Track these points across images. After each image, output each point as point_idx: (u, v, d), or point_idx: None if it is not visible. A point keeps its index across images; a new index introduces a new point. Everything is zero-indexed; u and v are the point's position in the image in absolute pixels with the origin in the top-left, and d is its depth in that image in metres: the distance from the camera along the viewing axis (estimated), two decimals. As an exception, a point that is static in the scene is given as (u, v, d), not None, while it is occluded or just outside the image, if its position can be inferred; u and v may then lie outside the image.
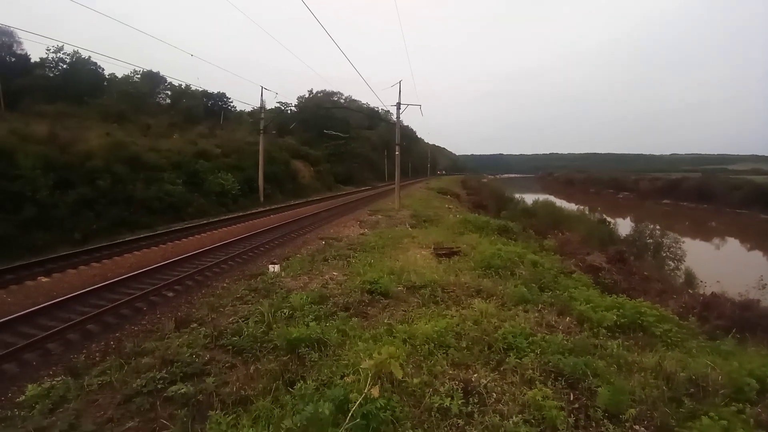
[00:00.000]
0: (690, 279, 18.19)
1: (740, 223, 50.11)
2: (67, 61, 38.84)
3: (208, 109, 50.26)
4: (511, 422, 3.72)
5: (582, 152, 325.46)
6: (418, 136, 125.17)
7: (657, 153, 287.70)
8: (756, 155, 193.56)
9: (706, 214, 57.11)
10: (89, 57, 38.78)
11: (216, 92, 51.79)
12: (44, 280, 10.96)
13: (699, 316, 9.90)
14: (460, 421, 3.77)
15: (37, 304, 8.76)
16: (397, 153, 28.91)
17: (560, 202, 46.07)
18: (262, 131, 32.85)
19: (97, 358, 6.44)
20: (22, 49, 36.34)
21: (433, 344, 5.21)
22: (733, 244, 39.03)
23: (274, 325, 5.92)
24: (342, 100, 79.87)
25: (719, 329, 8.54)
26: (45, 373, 6.09)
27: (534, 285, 8.66)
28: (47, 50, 37.86)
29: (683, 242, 25.31)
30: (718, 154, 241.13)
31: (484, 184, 77.00)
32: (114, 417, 3.92)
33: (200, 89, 45.76)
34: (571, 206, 45.85)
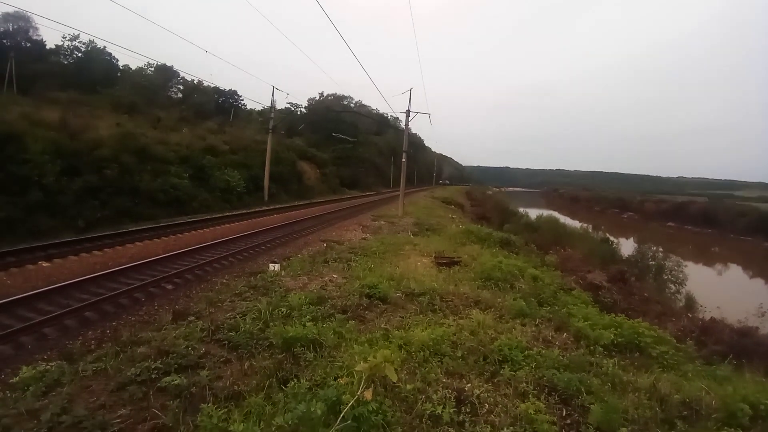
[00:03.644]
0: (690, 303, 18.07)
1: (744, 249, 49.83)
2: (82, 49, 39.30)
3: (218, 105, 50.61)
4: (502, 434, 3.71)
5: (589, 170, 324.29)
6: (426, 145, 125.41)
7: (664, 175, 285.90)
8: (763, 183, 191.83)
9: (710, 239, 56.82)
10: (104, 47, 39.28)
11: (227, 89, 52.14)
12: (45, 264, 11.01)
13: (697, 340, 9.85)
14: (451, 429, 3.76)
15: (36, 288, 8.79)
16: (403, 160, 28.97)
17: (564, 219, 45.92)
18: (270, 130, 32.95)
19: (93, 346, 6.45)
20: (38, 35, 36.81)
21: (428, 352, 5.20)
22: (735, 270, 38.81)
23: (271, 323, 5.93)
24: (352, 105, 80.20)
25: (716, 354, 8.48)
26: (40, 357, 6.10)
27: (533, 299, 8.66)
28: (63, 37, 38.39)
29: (686, 266, 25.17)
30: (725, 180, 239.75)
31: (488, 196, 76.97)
32: (107, 403, 3.93)
33: (212, 85, 46.13)
34: (575, 223, 45.72)
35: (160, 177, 21.79)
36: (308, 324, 5.63)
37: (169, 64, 45.83)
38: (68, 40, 38.44)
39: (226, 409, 3.78)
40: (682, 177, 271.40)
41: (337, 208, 31.51)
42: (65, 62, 38.52)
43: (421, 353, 5.15)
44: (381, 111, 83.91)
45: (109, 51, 40.32)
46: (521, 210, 48.58)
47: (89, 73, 37.11)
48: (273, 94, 35.01)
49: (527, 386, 4.59)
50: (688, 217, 69.87)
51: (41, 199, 15.33)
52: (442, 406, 3.97)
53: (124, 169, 19.61)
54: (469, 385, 4.55)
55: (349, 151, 57.78)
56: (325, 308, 6.71)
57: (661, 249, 27.23)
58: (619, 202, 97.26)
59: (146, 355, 4.85)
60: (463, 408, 4.06)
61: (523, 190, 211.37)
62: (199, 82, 47.17)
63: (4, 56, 31.07)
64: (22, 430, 3.55)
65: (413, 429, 3.74)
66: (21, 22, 34.85)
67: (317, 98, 75.96)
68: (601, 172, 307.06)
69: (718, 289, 25.75)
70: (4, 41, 34.30)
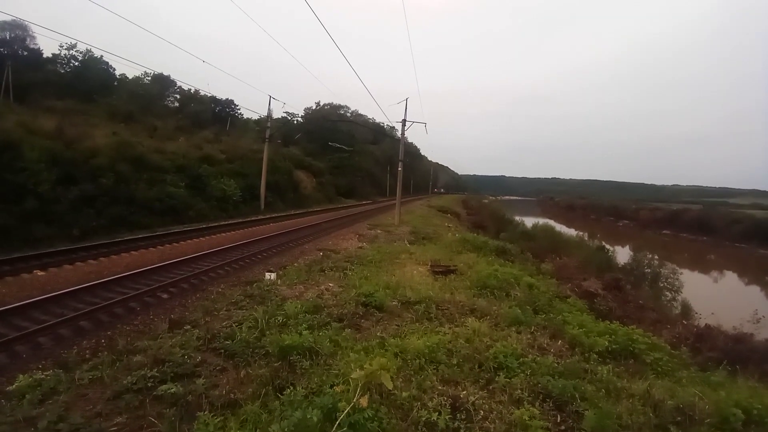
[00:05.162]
0: (686, 310, 18.13)
1: (738, 257, 50.04)
2: (80, 58, 39.32)
3: (215, 114, 50.67)
4: (497, 440, 3.73)
5: (584, 178, 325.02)
6: (422, 154, 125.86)
7: (659, 183, 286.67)
8: (757, 190, 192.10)
9: (706, 247, 57.08)
10: (101, 56, 39.32)
11: (224, 98, 52.25)
12: (40, 273, 10.96)
13: (692, 346, 9.90)
14: (446, 436, 3.77)
15: (32, 297, 8.75)
16: (399, 169, 29.12)
17: (560, 227, 46.06)
18: (267, 139, 33.05)
19: (88, 354, 6.43)
20: (35, 44, 36.81)
21: (424, 359, 5.23)
22: (730, 277, 38.97)
23: (267, 332, 5.95)
24: (348, 114, 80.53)
25: (711, 361, 8.52)
26: (35, 365, 6.06)
27: (528, 307, 8.67)
28: (60, 47, 38.42)
29: (681, 273, 25.26)
30: (719, 187, 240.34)
31: (484, 205, 77.12)
32: (103, 412, 3.93)
33: (209, 95, 46.29)
34: (571, 231, 45.86)
35: (156, 186, 21.80)
36: (304, 332, 5.64)
37: (166, 73, 46.02)
38: (65, 49, 38.55)
39: (222, 417, 3.80)
40: (677, 185, 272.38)
41: (334, 216, 31.52)
42: (62, 71, 38.54)
43: (417, 361, 5.17)
44: (378, 120, 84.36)
45: (106, 60, 40.41)
46: (517, 218, 48.68)
47: (86, 82, 37.16)
48: (270, 104, 35.42)
49: (522, 393, 4.61)
50: (683, 225, 70.18)
51: (36, 207, 15.31)
52: (437, 413, 3.99)
53: (120, 177, 19.62)
54: (464, 392, 4.57)
55: (345, 161, 57.95)
56: (321, 317, 6.74)
57: (656, 257, 27.37)
58: (614, 210, 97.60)
59: (142, 364, 4.86)
60: (458, 415, 4.08)
61: (519, 198, 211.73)
62: (196, 92, 47.40)
63: (1, 65, 31.11)
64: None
65: (409, 436, 3.76)
66: (18, 31, 34.92)
67: (314, 108, 76.34)
68: (597, 180, 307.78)
69: (714, 297, 25.84)
70: (1, 50, 34.32)
